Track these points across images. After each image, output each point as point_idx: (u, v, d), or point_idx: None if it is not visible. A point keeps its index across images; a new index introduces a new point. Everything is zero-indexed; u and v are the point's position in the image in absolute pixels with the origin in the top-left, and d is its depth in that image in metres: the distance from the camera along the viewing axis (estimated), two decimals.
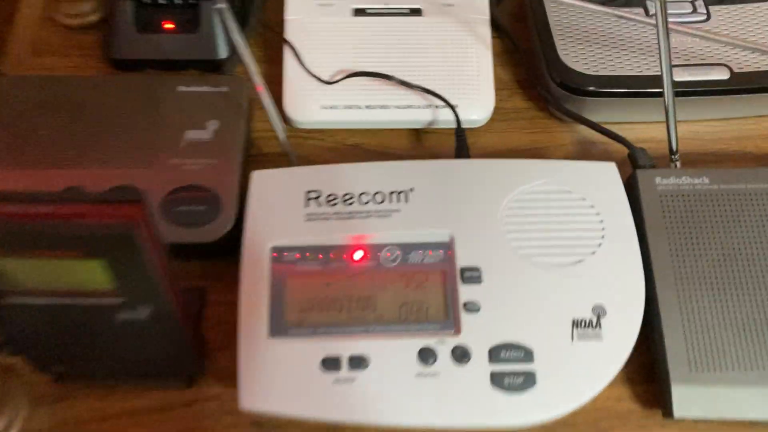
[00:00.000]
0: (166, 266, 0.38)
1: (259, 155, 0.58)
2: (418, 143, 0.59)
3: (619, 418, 0.48)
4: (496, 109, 0.60)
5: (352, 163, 0.51)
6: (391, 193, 0.49)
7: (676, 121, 0.53)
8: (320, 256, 0.47)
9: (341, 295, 0.46)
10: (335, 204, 0.49)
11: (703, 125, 0.61)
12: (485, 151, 0.59)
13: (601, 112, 0.59)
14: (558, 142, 0.60)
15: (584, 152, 0.59)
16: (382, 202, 0.49)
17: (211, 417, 0.47)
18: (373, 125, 0.58)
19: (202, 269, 0.52)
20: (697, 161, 0.59)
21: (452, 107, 0.56)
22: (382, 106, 0.57)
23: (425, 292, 0.47)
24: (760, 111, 0.61)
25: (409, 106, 0.58)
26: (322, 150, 0.59)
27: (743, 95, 0.57)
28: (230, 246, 0.49)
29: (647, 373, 0.49)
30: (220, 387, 0.48)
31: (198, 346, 0.48)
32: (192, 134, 0.53)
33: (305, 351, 0.45)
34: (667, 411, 0.46)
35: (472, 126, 0.59)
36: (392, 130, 0.59)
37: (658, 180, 0.51)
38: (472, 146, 0.59)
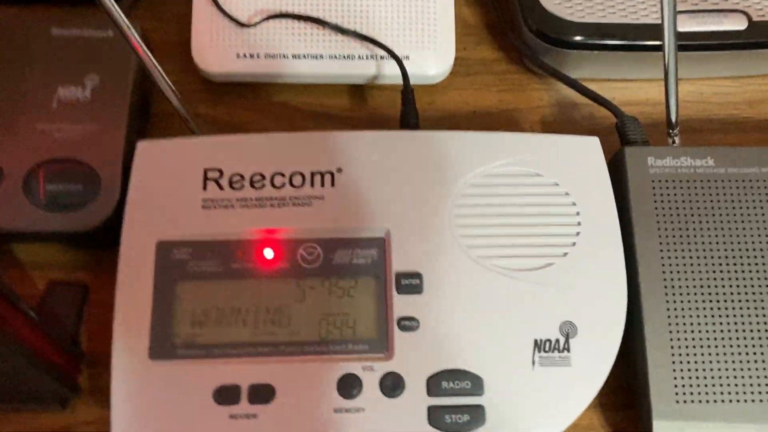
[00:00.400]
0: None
1: (166, 114, 0.47)
2: (362, 103, 0.49)
3: None
4: (459, 60, 0.49)
5: (263, 134, 0.40)
6: (313, 174, 0.39)
7: (677, 87, 0.42)
8: (220, 254, 0.37)
9: (245, 306, 0.37)
10: (241, 187, 0.38)
11: (710, 84, 0.50)
12: (443, 113, 0.48)
13: (587, 68, 0.48)
14: (532, 103, 0.49)
15: (564, 117, 0.49)
16: (301, 185, 0.39)
17: None
18: (304, 79, 0.47)
19: (84, 258, 0.43)
20: (700, 131, 0.48)
21: (398, 60, 0.45)
22: (314, 56, 0.46)
23: (352, 304, 0.37)
24: None
25: (349, 56, 0.46)
26: (240, 109, 0.48)
27: (764, 50, 0.46)
28: (113, 235, 0.39)
29: (625, 395, 0.40)
30: (101, 409, 0.39)
31: (69, 362, 0.39)
32: (66, 92, 0.41)
33: (195, 378, 0.35)
34: None
35: (429, 82, 0.48)
36: (329, 85, 0.48)
37: (650, 160, 0.41)
38: (428, 107, 0.48)
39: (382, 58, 0.46)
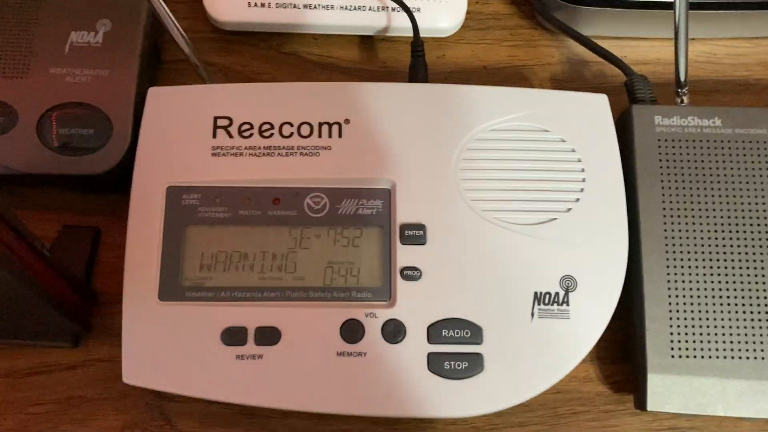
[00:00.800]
0: (5, 229, 0.29)
1: (177, 62, 0.47)
2: (372, 54, 0.49)
3: (582, 403, 0.41)
4: (471, 14, 0.49)
5: (273, 83, 0.40)
6: (322, 124, 0.39)
7: (687, 45, 0.41)
8: (228, 200, 0.38)
9: (252, 252, 0.38)
10: (250, 135, 0.39)
11: (724, 45, 0.50)
12: (453, 67, 0.48)
13: (599, 25, 0.48)
14: (543, 59, 0.49)
15: (574, 74, 0.49)
16: (309, 135, 0.39)
17: (97, 384, 0.40)
18: (314, 30, 0.47)
19: (96, 203, 0.43)
20: (712, 92, 0.48)
21: (409, 12, 0.45)
22: (325, 6, 0.46)
23: (357, 252, 0.38)
24: None
25: (360, 7, 0.46)
26: (250, 59, 0.48)
27: None
28: (124, 180, 0.40)
29: (621, 349, 0.41)
30: (112, 347, 0.41)
31: (82, 300, 0.40)
32: (78, 37, 0.42)
33: (203, 320, 0.36)
34: (640, 402, 0.38)
35: (440, 35, 0.48)
36: (340, 36, 0.48)
37: (657, 119, 0.41)
38: (438, 61, 0.48)
39: (393, 9, 0.46)
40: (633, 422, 0.40)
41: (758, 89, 0.48)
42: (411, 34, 0.46)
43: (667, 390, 0.38)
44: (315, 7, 0.46)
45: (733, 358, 0.38)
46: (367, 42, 0.49)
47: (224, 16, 0.46)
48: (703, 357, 0.38)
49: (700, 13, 0.46)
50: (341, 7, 0.46)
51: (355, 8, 0.46)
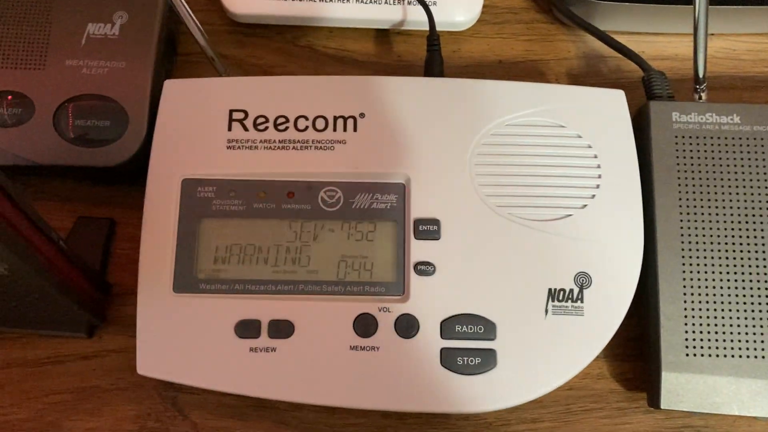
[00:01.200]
0: (22, 220, 0.30)
1: (192, 55, 0.47)
2: (387, 48, 0.48)
3: (595, 400, 0.40)
4: (487, 8, 0.48)
5: (288, 76, 0.40)
6: (337, 118, 0.39)
7: (706, 41, 0.41)
8: (243, 193, 0.38)
9: (266, 245, 0.38)
10: (265, 129, 0.39)
11: (743, 40, 0.49)
12: (468, 62, 0.48)
13: (616, 20, 0.47)
14: (560, 54, 0.49)
15: (590, 69, 0.48)
16: (324, 129, 0.39)
17: (111, 374, 0.40)
18: (330, 23, 0.47)
19: (111, 195, 0.44)
20: (731, 88, 0.48)
21: (425, 5, 0.45)
22: None
23: (371, 247, 0.38)
24: None
25: (375, 1, 0.46)
26: (266, 52, 0.48)
27: None
28: (139, 172, 0.40)
29: (635, 347, 0.41)
30: (127, 339, 0.41)
31: (97, 291, 0.40)
32: (95, 29, 0.42)
33: (217, 312, 0.37)
34: (653, 400, 0.38)
35: (455, 29, 0.48)
36: (355, 29, 0.48)
37: (675, 116, 0.41)
38: (453, 55, 0.48)
39: (409, 3, 0.46)
40: (646, 420, 0.40)
41: None
42: (426, 28, 0.46)
43: (681, 388, 0.37)
44: (330, 0, 0.46)
45: (748, 357, 0.37)
46: (383, 35, 0.48)
47: (240, 9, 0.46)
48: (717, 356, 0.38)
49: (720, 8, 0.45)
50: (357, 0, 0.46)
51: (370, 1, 0.46)
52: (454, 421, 0.40)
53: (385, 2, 0.46)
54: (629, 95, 0.41)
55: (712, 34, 0.48)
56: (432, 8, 0.46)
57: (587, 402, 0.40)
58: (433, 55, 0.44)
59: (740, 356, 0.38)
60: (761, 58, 0.48)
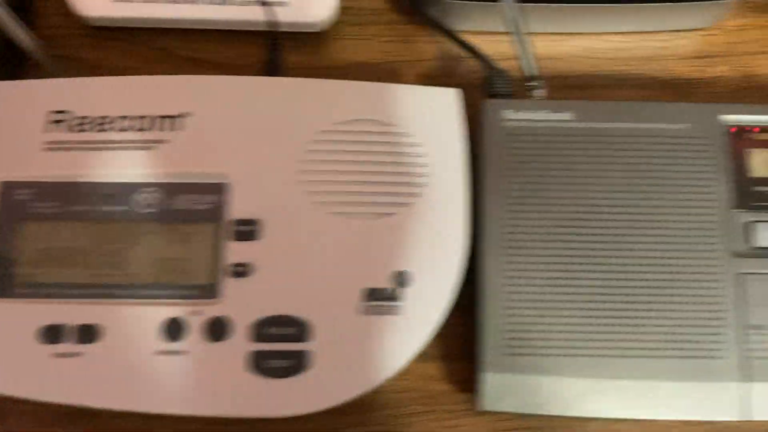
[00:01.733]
0: None
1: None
2: (243, 50, 0.48)
3: (426, 402, 0.40)
4: (350, 9, 0.48)
5: (113, 77, 0.40)
6: (161, 118, 0.39)
7: (527, 39, 0.41)
8: (61, 196, 0.38)
9: (82, 247, 0.37)
10: (84, 130, 0.39)
11: (603, 39, 0.49)
12: (328, 63, 0.48)
13: (476, 20, 0.47)
14: (418, 56, 0.48)
15: (448, 70, 0.48)
16: (147, 129, 0.39)
17: None
18: (182, 24, 0.47)
19: None
20: (589, 87, 0.47)
21: (265, 4, 0.44)
22: (191, 1, 0.45)
23: (189, 249, 0.37)
24: (682, 23, 0.48)
25: (226, 1, 0.46)
26: (121, 55, 0.47)
27: (657, 4, 0.44)
28: None
29: (471, 347, 0.40)
30: None
31: None
32: None
33: (23, 316, 0.36)
34: (478, 401, 0.37)
35: (313, 30, 0.47)
36: (210, 31, 0.48)
37: (505, 114, 0.40)
38: (306, 60, 0.47)
39: (264, 2, 0.45)
40: (477, 422, 0.39)
41: (636, 84, 0.47)
42: (288, 30, 0.45)
43: (503, 389, 0.37)
44: (181, 2, 0.45)
45: (571, 356, 0.37)
46: (237, 36, 0.48)
47: (89, 12, 0.46)
48: (540, 355, 0.37)
49: (579, 6, 0.45)
50: (206, 2, 0.45)
51: (220, 2, 0.46)
52: (284, 427, 0.39)
53: (236, 3, 0.45)
54: (481, 95, 0.41)
55: (573, 33, 0.48)
56: (284, 8, 0.45)
57: (418, 405, 0.40)
58: (272, 55, 0.44)
59: (563, 355, 0.37)
60: (621, 56, 0.48)
